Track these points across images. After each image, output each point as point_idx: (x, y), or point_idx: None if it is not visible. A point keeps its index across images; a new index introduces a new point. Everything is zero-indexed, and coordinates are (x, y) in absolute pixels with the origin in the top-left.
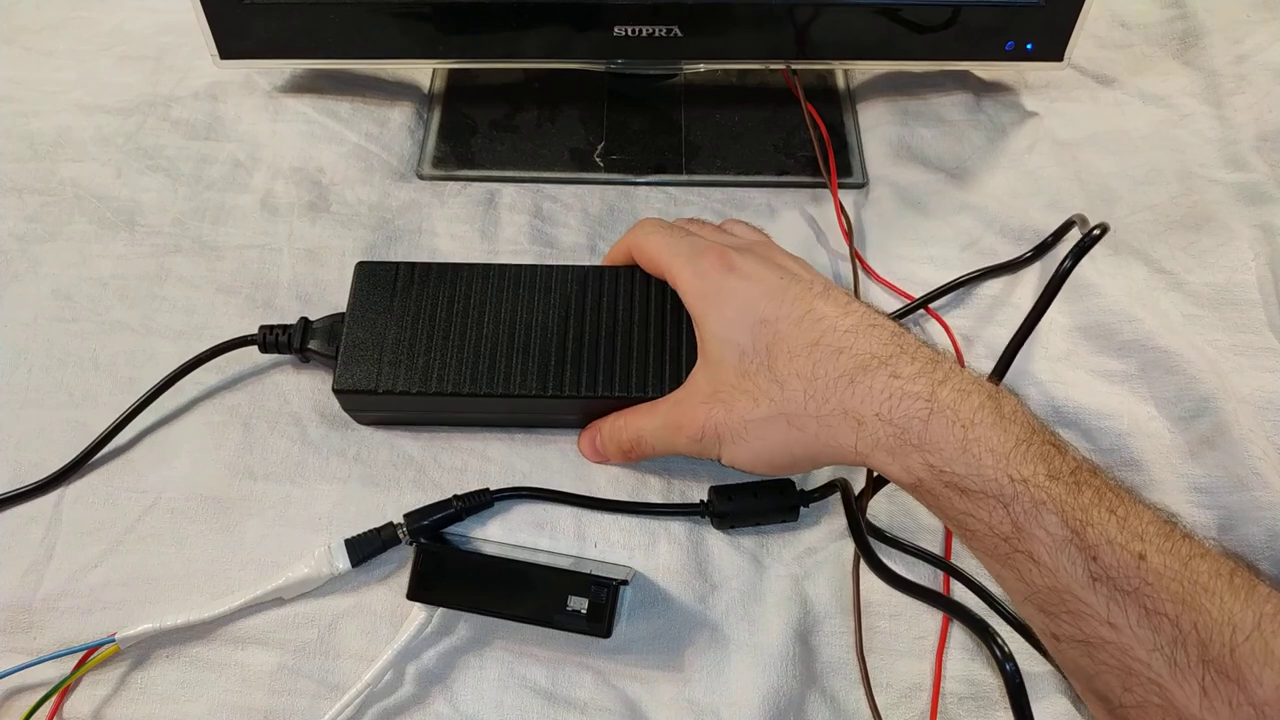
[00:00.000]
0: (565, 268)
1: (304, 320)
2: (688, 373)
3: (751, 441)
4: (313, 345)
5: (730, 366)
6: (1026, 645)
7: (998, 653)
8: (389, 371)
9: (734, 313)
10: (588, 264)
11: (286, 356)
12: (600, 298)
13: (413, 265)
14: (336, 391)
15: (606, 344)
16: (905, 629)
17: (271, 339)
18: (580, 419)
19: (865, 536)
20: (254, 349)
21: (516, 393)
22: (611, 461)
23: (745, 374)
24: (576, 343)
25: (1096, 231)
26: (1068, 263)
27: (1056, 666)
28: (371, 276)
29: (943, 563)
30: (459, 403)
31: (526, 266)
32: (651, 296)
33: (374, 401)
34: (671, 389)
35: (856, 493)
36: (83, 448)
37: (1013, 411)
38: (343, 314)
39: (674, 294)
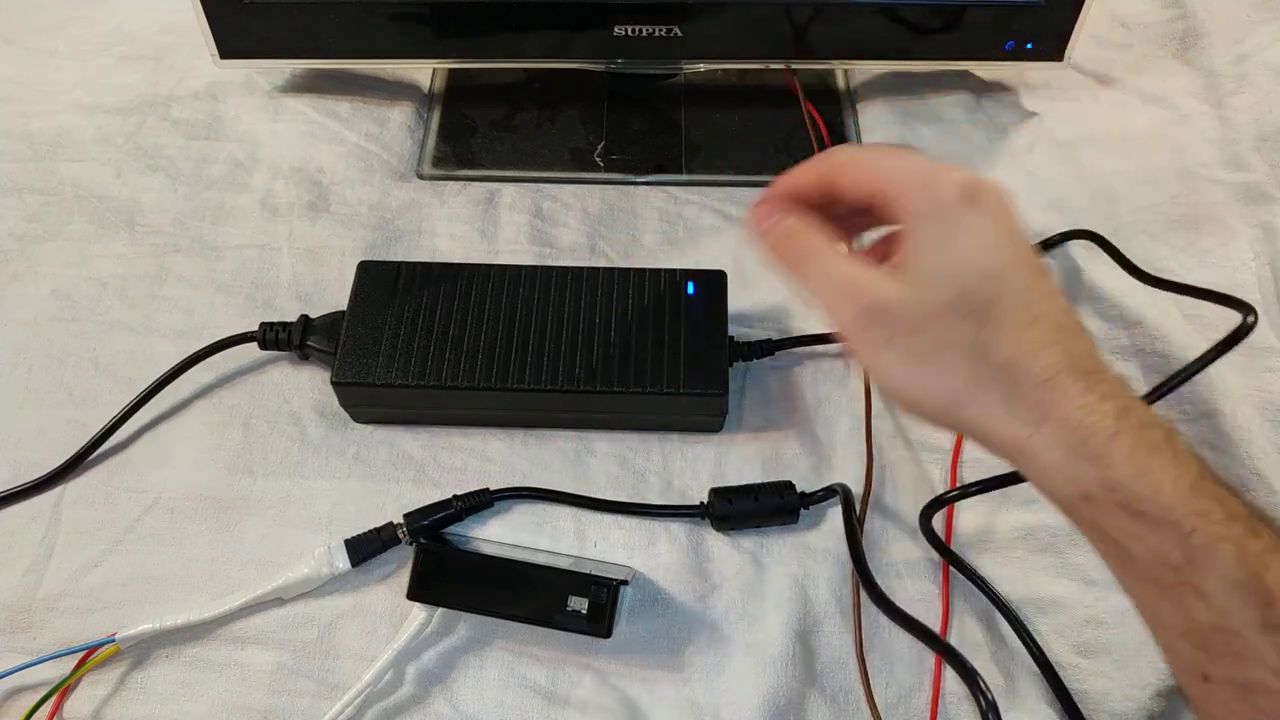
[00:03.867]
0: (566, 269)
1: (304, 317)
2: (690, 370)
3: (919, 369)
4: (312, 342)
5: (944, 297)
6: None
7: (982, 701)
8: (387, 365)
9: (968, 249)
10: (587, 265)
11: (285, 356)
12: (601, 297)
13: (414, 265)
14: (335, 384)
15: (603, 340)
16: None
17: (271, 336)
18: (579, 416)
19: (865, 561)
20: (254, 346)
21: (514, 386)
22: (768, 251)
23: (955, 308)
24: (576, 339)
25: (1251, 320)
26: (1209, 356)
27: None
28: (373, 275)
29: (944, 549)
30: (457, 397)
31: (527, 267)
32: (652, 296)
33: (372, 395)
34: (674, 386)
35: (857, 489)
36: (81, 446)
37: (1187, 450)
38: (343, 312)
39: (676, 294)
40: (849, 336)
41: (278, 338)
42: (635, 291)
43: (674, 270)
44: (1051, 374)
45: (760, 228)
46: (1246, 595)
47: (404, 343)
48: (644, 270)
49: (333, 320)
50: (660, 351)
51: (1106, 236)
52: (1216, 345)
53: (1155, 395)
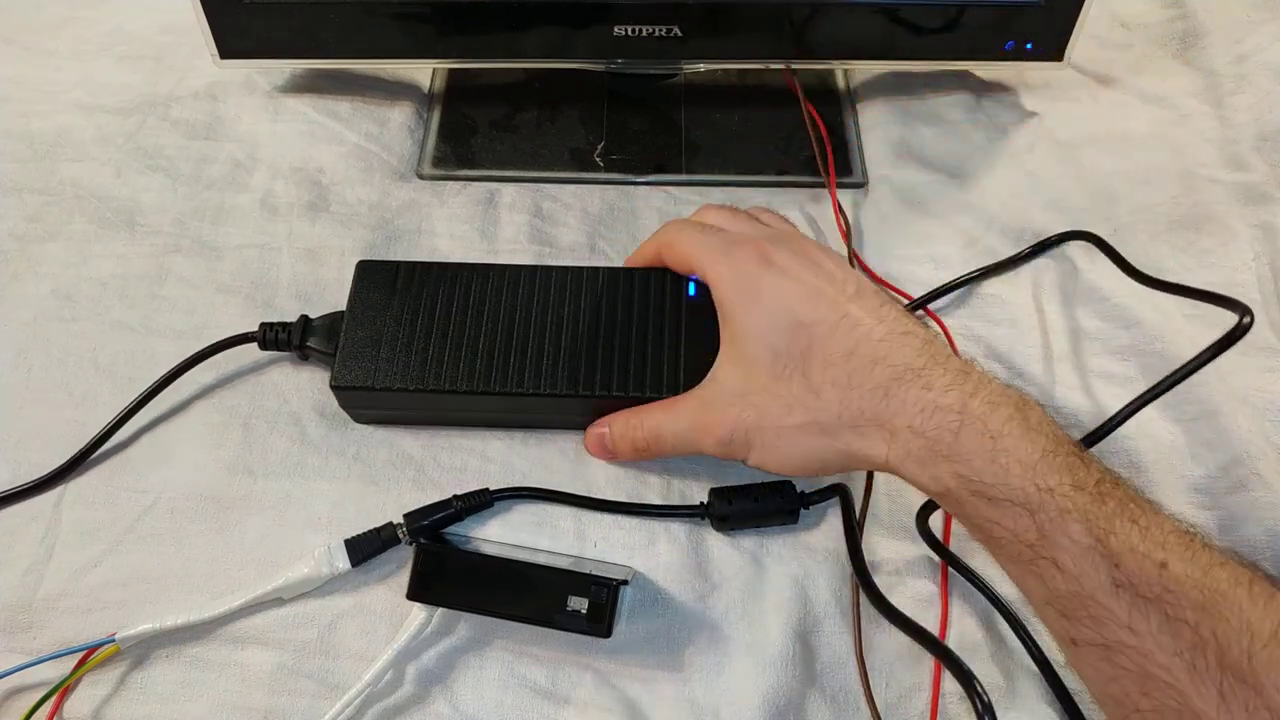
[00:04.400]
0: (566, 268)
1: (304, 318)
2: (690, 373)
3: (783, 446)
4: (312, 343)
5: (763, 368)
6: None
7: (979, 703)
8: (386, 368)
9: (769, 312)
10: (588, 264)
11: (286, 356)
12: (601, 298)
13: (413, 264)
14: (334, 388)
15: (607, 343)
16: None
17: (271, 336)
18: (580, 419)
19: (864, 562)
20: (254, 346)
21: (514, 390)
22: (620, 459)
23: (778, 377)
24: (578, 342)
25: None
26: (1205, 356)
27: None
28: (372, 275)
29: (942, 549)
30: (457, 400)
31: (527, 267)
32: (652, 297)
33: (371, 398)
34: (674, 389)
35: (858, 492)
36: (82, 446)
37: (1039, 422)
38: (343, 312)
39: (676, 294)
40: (722, 457)
41: (277, 338)
42: (638, 292)
43: (674, 271)
44: (883, 390)
45: (603, 456)
46: (1096, 559)
47: (403, 345)
48: (648, 270)
49: (332, 320)
50: (660, 353)
51: (1107, 236)
52: (1212, 346)
53: (1151, 396)
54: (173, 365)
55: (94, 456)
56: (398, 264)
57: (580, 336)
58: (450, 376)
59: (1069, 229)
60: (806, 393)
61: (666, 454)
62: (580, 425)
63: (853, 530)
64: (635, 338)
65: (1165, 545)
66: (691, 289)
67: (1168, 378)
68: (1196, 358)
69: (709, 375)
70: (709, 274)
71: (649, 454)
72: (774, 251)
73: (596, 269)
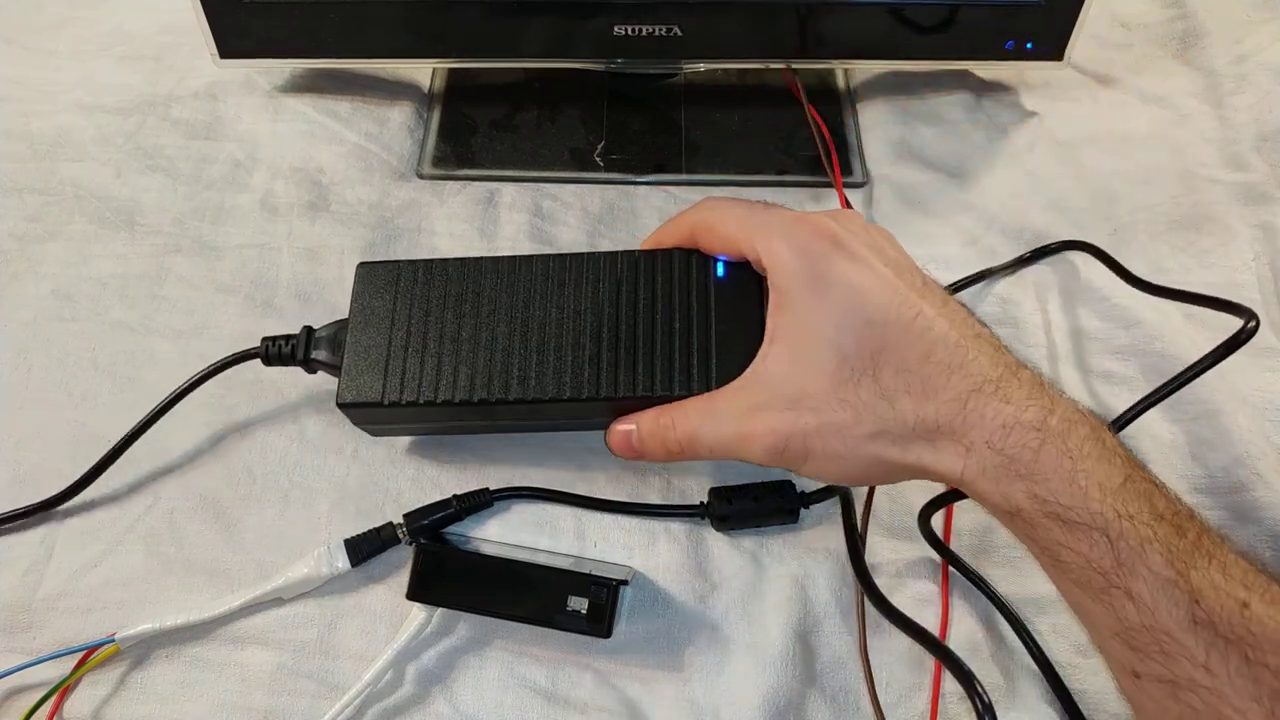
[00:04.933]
0: (580, 255)
1: (307, 330)
2: (723, 365)
3: (847, 457)
4: (317, 355)
5: (826, 369)
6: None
7: (979, 704)
8: (395, 381)
9: (840, 307)
10: (603, 250)
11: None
12: (621, 286)
13: (415, 263)
14: (341, 406)
15: (630, 337)
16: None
17: (274, 351)
18: (602, 421)
19: (864, 562)
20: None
21: (532, 399)
22: (649, 460)
23: (844, 381)
24: (599, 338)
25: (1252, 325)
26: (1209, 360)
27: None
28: (374, 277)
29: (943, 549)
30: (472, 411)
31: (538, 256)
32: (677, 281)
33: (382, 414)
34: (706, 385)
35: (858, 492)
36: (83, 469)
37: (1114, 444)
38: (346, 321)
39: (704, 277)
40: (769, 466)
41: (280, 352)
42: (662, 277)
43: (701, 252)
44: (961, 402)
45: (629, 456)
46: (1175, 593)
47: (413, 353)
48: (670, 252)
49: (337, 330)
50: (689, 345)
51: (1107, 236)
52: (1215, 350)
53: (1153, 400)
54: (172, 365)
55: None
56: (399, 264)
57: (600, 331)
58: (466, 387)
59: (1067, 238)
60: (877, 400)
61: (701, 458)
62: (600, 426)
63: (853, 530)
64: (661, 329)
65: (1247, 584)
66: (720, 269)
67: (1171, 381)
68: (1199, 362)
69: (752, 371)
70: (765, 257)
71: (682, 458)
72: (841, 231)
73: (613, 254)
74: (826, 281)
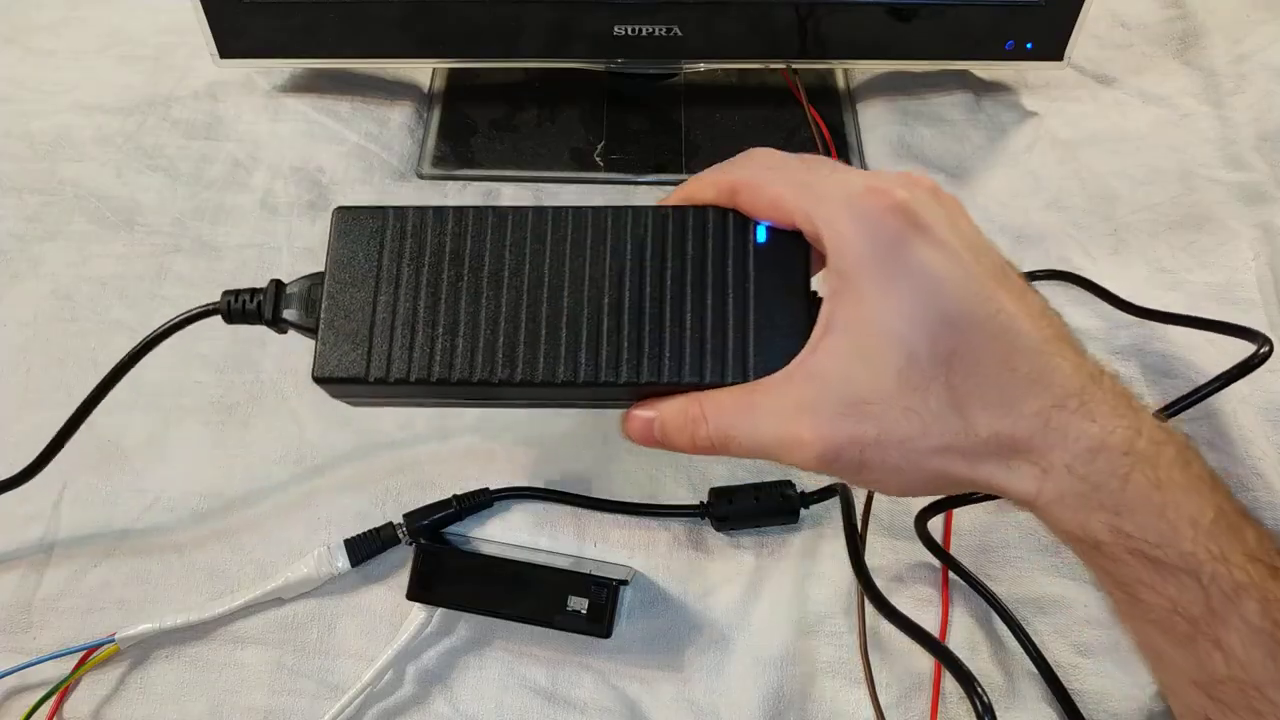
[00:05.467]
0: (599, 209)
1: (275, 283)
2: (762, 350)
3: (908, 471)
4: (288, 315)
5: (891, 370)
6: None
7: (979, 704)
8: (382, 354)
9: (914, 300)
10: (629, 204)
11: (285, 353)
12: (645, 249)
13: (404, 210)
14: (317, 380)
15: (655, 311)
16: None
17: (238, 306)
18: (615, 404)
19: (864, 562)
20: (240, 342)
21: (542, 380)
22: (672, 450)
23: (912, 386)
24: (617, 309)
25: (1265, 350)
26: (1219, 383)
27: None
28: (355, 226)
29: (941, 551)
30: (468, 390)
31: (550, 208)
32: (712, 246)
33: (367, 390)
34: (742, 373)
35: (858, 492)
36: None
37: (1200, 469)
38: (322, 274)
39: (741, 241)
40: (817, 472)
41: (244, 308)
42: (693, 239)
43: (738, 213)
44: (1043, 419)
45: (648, 444)
46: (1271, 647)
47: (401, 321)
48: (703, 210)
49: (310, 286)
50: (723, 323)
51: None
52: (1227, 372)
53: (1164, 414)
54: (173, 369)
55: (94, 456)
56: (385, 210)
57: (619, 302)
58: (462, 365)
59: (1049, 268)
60: (949, 410)
61: (733, 456)
62: (616, 406)
63: (853, 530)
64: (692, 303)
65: None
66: (762, 234)
67: (1179, 400)
68: (1211, 383)
69: (800, 364)
70: (827, 236)
71: (711, 453)
72: (918, 206)
73: (640, 210)
74: (901, 270)
